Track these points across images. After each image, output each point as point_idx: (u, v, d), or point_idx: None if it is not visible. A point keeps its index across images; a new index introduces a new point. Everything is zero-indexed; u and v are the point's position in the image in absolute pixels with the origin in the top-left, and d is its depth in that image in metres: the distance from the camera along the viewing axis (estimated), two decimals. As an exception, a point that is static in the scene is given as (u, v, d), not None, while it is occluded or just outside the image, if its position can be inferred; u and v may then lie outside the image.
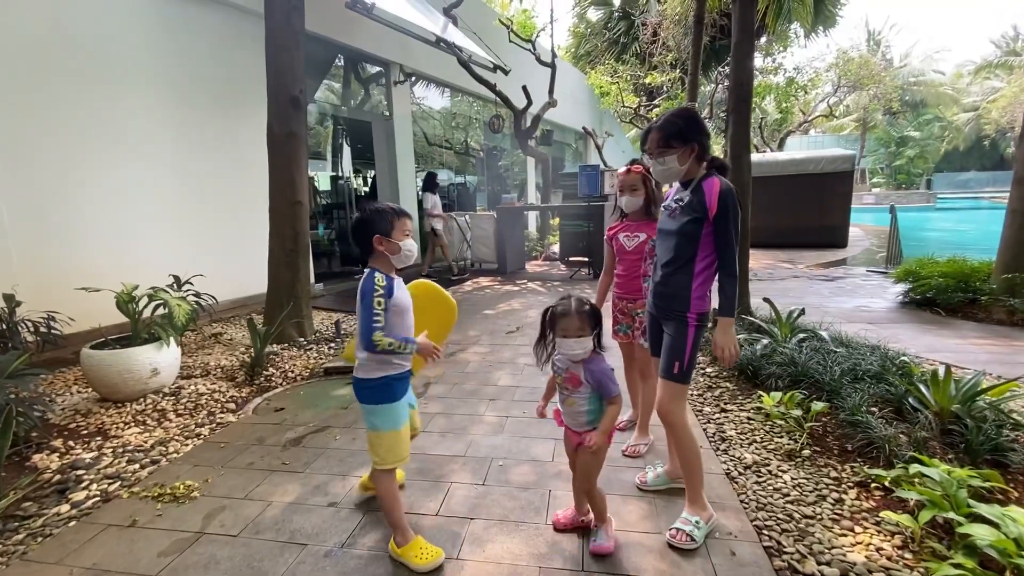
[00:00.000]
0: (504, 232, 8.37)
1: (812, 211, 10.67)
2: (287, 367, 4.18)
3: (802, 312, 3.95)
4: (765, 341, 3.64)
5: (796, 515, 2.04)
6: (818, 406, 2.68)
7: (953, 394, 2.50)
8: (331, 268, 9.38)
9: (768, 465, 2.42)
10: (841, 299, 5.97)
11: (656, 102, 13.90)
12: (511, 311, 5.78)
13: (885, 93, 21.24)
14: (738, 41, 4.53)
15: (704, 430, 2.81)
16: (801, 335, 3.81)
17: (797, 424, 2.72)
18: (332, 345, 4.74)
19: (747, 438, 2.70)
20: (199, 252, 5.61)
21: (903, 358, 3.22)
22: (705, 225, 1.90)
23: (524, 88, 8.64)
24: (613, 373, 1.75)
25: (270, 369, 4.10)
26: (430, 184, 8.47)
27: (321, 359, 4.38)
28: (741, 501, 2.14)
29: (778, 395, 2.93)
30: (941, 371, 2.65)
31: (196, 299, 4.91)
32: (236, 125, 5.97)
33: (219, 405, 3.48)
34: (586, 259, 8.36)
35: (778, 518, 2.03)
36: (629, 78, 14.22)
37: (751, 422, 2.88)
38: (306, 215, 5.01)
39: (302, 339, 4.92)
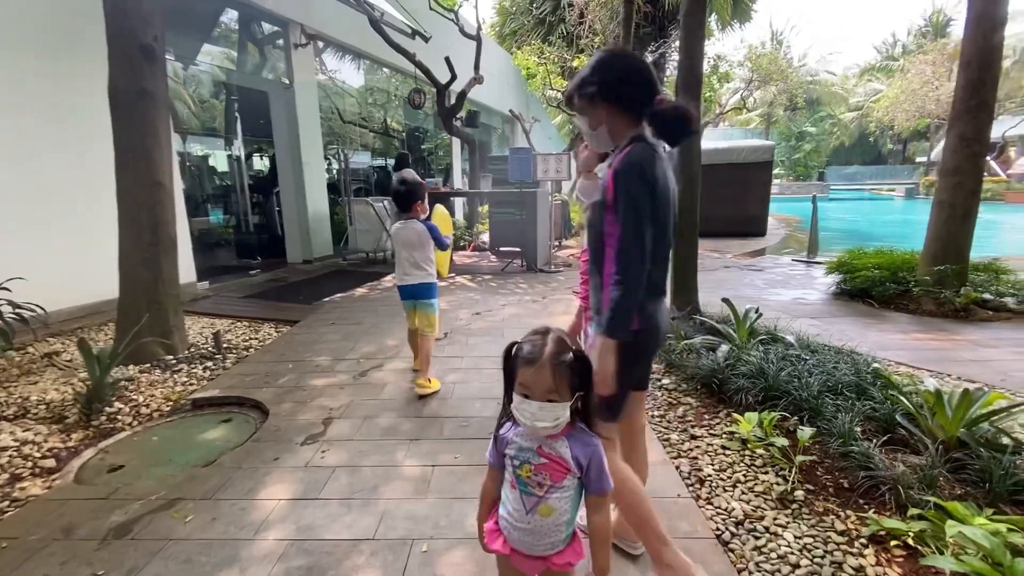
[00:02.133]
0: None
1: (733, 200, 10.81)
2: (143, 398, 3.19)
3: (759, 314, 3.60)
4: (725, 348, 3.23)
5: (817, 601, 1.56)
6: (805, 433, 2.27)
7: (950, 416, 2.16)
8: (223, 262, 8.06)
9: (762, 519, 1.95)
10: (777, 291, 5.86)
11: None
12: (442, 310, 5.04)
13: (790, 88, 22.54)
14: (688, 11, 4.07)
15: (677, 468, 2.30)
16: (760, 337, 3.46)
17: (782, 455, 2.29)
18: (210, 364, 3.76)
19: (728, 477, 2.23)
20: (27, 248, 4.31)
21: (875, 365, 2.93)
22: (607, 214, 1.42)
23: (447, 60, 7.80)
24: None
25: (117, 404, 3.10)
26: (405, 161, 7.50)
27: (193, 384, 3.42)
28: (745, 584, 1.63)
29: (754, 417, 2.49)
30: (933, 385, 2.33)
31: (14, 311, 3.72)
32: (77, 82, 4.64)
33: (30, 464, 2.48)
34: (518, 250, 7.77)
35: (797, 609, 1.54)
36: (556, 60, 13.72)
37: (727, 452, 2.42)
38: (169, 200, 3.94)
39: (170, 357, 3.89)
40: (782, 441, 2.29)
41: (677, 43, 14.95)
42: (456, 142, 12.86)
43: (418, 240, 3.19)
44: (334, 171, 10.98)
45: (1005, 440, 2.11)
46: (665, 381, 3.24)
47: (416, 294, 3.22)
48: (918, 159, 35.76)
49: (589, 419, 1.10)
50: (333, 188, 9.29)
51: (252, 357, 3.90)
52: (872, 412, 2.40)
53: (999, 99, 23.13)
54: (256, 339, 4.36)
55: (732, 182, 10.61)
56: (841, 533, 1.86)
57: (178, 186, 5.46)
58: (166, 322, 3.95)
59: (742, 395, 2.79)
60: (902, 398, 2.46)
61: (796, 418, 2.50)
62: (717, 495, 2.10)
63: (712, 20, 16.33)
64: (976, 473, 1.97)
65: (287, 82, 7.43)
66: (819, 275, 6.65)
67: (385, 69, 10.35)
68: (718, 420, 2.74)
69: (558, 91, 13.77)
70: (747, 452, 2.40)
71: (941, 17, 33.62)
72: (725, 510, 2.00)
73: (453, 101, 8.54)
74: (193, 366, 3.73)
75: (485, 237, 10.04)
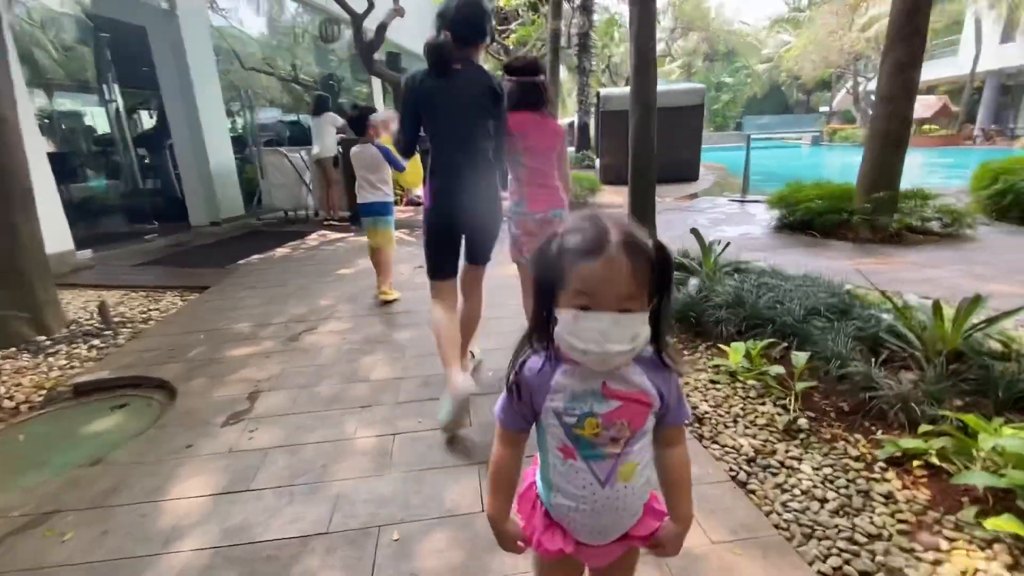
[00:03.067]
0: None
1: (666, 145, 10.67)
2: (5, 390, 2.50)
3: (727, 244, 3.44)
4: (695, 281, 3.04)
5: (857, 537, 1.38)
6: (801, 358, 2.10)
7: (950, 328, 2.07)
8: (110, 229, 6.88)
9: (774, 453, 1.76)
10: (722, 228, 5.84)
11: (512, 27, 12.78)
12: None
13: (711, 37, 22.88)
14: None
15: (669, 409, 2.07)
16: (726, 268, 3.31)
17: (778, 383, 2.12)
18: (97, 342, 3.06)
19: (726, 412, 2.03)
20: None
21: (848, 287, 2.86)
22: None
23: (362, -16, 6.86)
24: None
25: (-38, 401, 2.40)
26: (324, 104, 6.62)
27: (75, 367, 2.75)
28: (778, 529, 1.42)
29: (741, 347, 2.31)
30: (915, 300, 2.23)
31: None
32: None
33: None
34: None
35: (839, 549, 1.34)
36: None
37: (717, 387, 2.22)
38: (16, 139, 3.08)
39: (42, 338, 3.13)
40: (777, 369, 2.12)
41: (604, -16, 14.46)
42: (378, 88, 11.78)
43: (374, 162, 3.49)
44: (239, 125, 9.67)
45: (996, 347, 2.05)
46: (636, 320, 3.01)
47: (374, 211, 3.58)
48: (821, 109, 38.18)
49: (661, 338, 0.75)
50: (240, 142, 8.15)
51: (152, 330, 3.23)
52: (859, 332, 2.29)
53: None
54: (156, 310, 3.65)
55: (664, 126, 10.29)
56: (856, 459, 1.70)
57: (35, 136, 4.43)
58: (32, 296, 3.17)
59: (721, 326, 2.60)
60: (885, 315, 2.37)
61: (784, 344, 2.34)
62: (720, 432, 1.89)
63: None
64: (974, 384, 1.88)
65: (166, 5, 6.20)
66: (758, 212, 6.74)
67: (290, 4, 9.02)
68: (699, 354, 2.55)
69: (485, 33, 12.95)
70: (738, 385, 2.21)
71: (841, -32, 35.26)
72: (733, 448, 1.79)
73: (373, 35, 7.62)
74: (75, 346, 3.02)
75: (419, 191, 9.38)
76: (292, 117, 12.48)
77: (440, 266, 2.16)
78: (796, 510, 1.49)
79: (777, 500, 1.53)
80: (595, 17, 15.02)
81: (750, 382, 2.20)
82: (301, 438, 1.94)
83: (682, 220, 6.52)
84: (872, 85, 30.02)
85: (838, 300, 2.59)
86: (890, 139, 4.95)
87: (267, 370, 2.53)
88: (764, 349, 2.30)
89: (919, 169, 14.90)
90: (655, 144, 3.92)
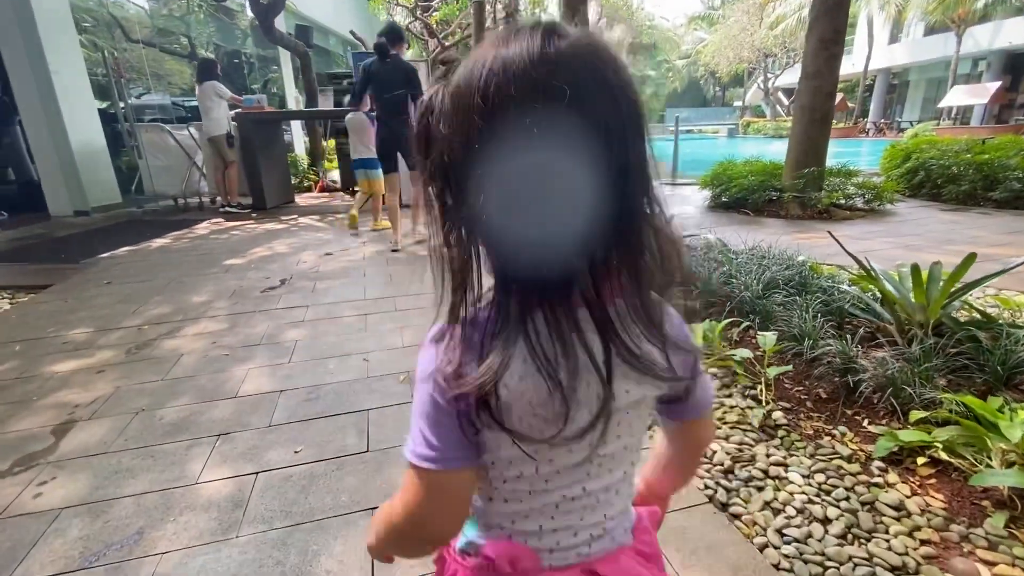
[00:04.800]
0: (255, 150, 5.94)
1: None
2: None
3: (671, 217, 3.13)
4: (640, 257, 2.70)
5: (880, 573, 1.04)
6: (769, 339, 1.78)
7: (933, 296, 1.83)
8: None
9: (753, 459, 1.41)
10: (657, 209, 5.64)
11: (435, 4, 12.09)
12: (272, 256, 3.83)
13: (636, 26, 23.29)
14: None
15: (622, 409, 1.68)
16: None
17: (745, 370, 1.79)
18: None
19: (689, 409, 1.67)
20: None
21: (801, 258, 2.63)
22: None
23: (255, -66, 5.98)
24: None
25: None
26: (209, 71, 5.60)
27: None
28: (781, 571, 1.05)
29: (698, 328, 1.97)
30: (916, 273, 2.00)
31: None
32: None
33: None
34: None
35: (861, 595, 0.99)
36: (401, -27, 11.99)
37: (675, 378, 1.87)
38: None
39: None
40: (743, 353, 1.79)
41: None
42: (287, 65, 10.69)
43: (362, 125, 4.19)
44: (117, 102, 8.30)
45: (975, 317, 1.84)
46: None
47: (365, 165, 4.27)
48: (735, 103, 40.44)
49: None
50: (116, 119, 6.93)
51: (-54, 344, 2.41)
52: (824, 308, 2.02)
53: (795, 48, 26.28)
54: (-36, 317, 2.79)
55: None
56: (849, 459, 1.39)
57: None
58: None
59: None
60: (847, 287, 2.13)
61: (746, 324, 2.03)
62: (687, 437, 1.52)
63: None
64: (963, 359, 1.64)
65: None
66: (690, 194, 6.65)
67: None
68: (650, 341, 2.20)
69: (407, 9, 12.15)
70: (698, 374, 1.87)
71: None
72: (705, 456, 1.42)
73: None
74: None
75: (335, 175, 8.56)
76: (191, 101, 11.09)
77: (387, 168, 3.98)
78: (796, 539, 1.13)
79: (770, 526, 1.17)
80: None
81: (712, 369, 1.86)
82: (115, 489, 1.35)
83: (616, 202, 6.29)
84: (780, 81, 32.19)
85: (795, 273, 2.33)
86: (816, 115, 4.93)
87: (94, 390, 1.87)
88: (724, 330, 1.98)
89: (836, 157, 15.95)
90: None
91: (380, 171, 4.14)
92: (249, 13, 8.64)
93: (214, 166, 6.15)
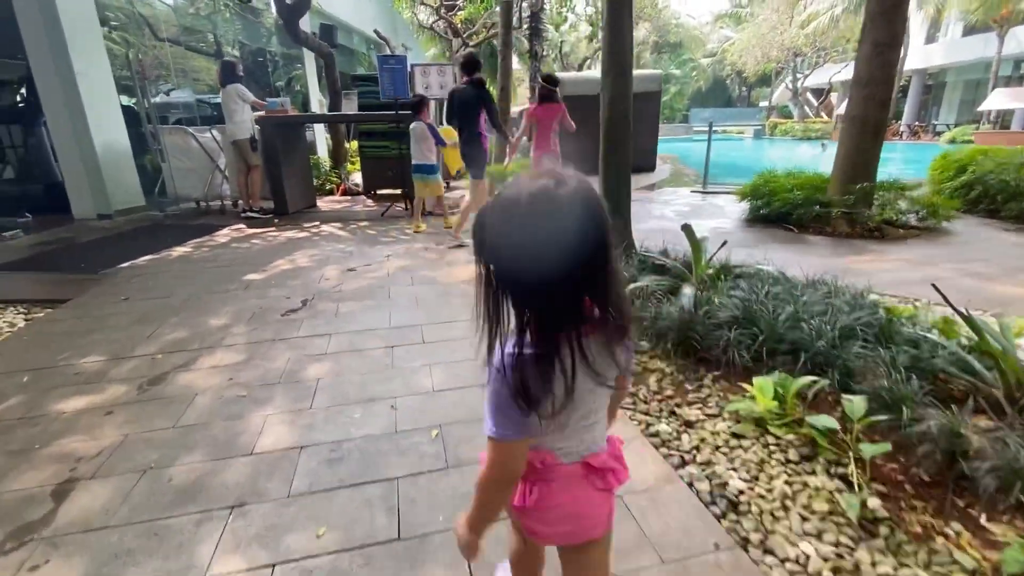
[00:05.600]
0: (278, 154, 5.83)
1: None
2: None
3: (723, 244, 2.89)
4: (689, 290, 2.46)
5: None
6: (857, 406, 1.55)
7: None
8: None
9: (859, 570, 1.18)
10: (692, 221, 5.34)
11: (460, 3, 11.90)
12: (293, 271, 3.68)
13: (661, 26, 22.80)
14: None
15: (689, 484, 1.46)
16: (712, 270, 2.77)
17: (831, 442, 1.56)
18: None
19: (767, 490, 1.44)
20: None
21: (873, 296, 2.37)
22: None
23: (281, -66, 5.85)
24: None
25: None
26: (232, 73, 5.49)
27: None
28: None
29: (768, 385, 1.74)
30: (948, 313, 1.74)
31: None
32: None
33: None
34: (399, 191, 6.44)
35: None
36: (426, -29, 11.82)
37: (744, 445, 1.64)
38: None
39: None
40: (826, 422, 1.55)
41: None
42: (311, 64, 10.61)
43: (423, 134, 4.52)
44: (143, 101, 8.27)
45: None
46: (619, 340, 2.40)
47: (424, 170, 4.64)
48: (761, 103, 39.49)
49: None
50: (138, 118, 6.89)
51: (-45, 369, 2.30)
52: (914, 362, 1.77)
53: (826, 47, 25.59)
54: (-22, 336, 2.69)
55: None
56: (973, 574, 1.15)
57: None
58: None
59: (732, 352, 2.03)
60: (932, 335, 1.87)
61: (824, 382, 1.78)
62: (771, 531, 1.29)
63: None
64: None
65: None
66: (725, 204, 6.36)
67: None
68: (707, 389, 1.97)
69: (431, 7, 11.99)
70: (771, 440, 1.64)
71: (780, -34, 36.35)
72: (796, 562, 1.20)
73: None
74: None
75: (357, 178, 8.44)
76: (215, 98, 11.07)
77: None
78: None
79: None
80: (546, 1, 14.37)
81: (787, 436, 1.63)
82: (115, 579, 1.18)
83: (647, 212, 6.03)
84: (810, 81, 31.29)
85: (869, 315, 2.07)
86: (868, 126, 4.61)
87: (101, 438, 1.72)
88: (802, 386, 1.74)
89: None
90: (631, 123, 3.32)
91: (438, 176, 4.80)
92: (274, 12, 8.56)
93: (237, 169, 6.05)
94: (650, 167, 10.76)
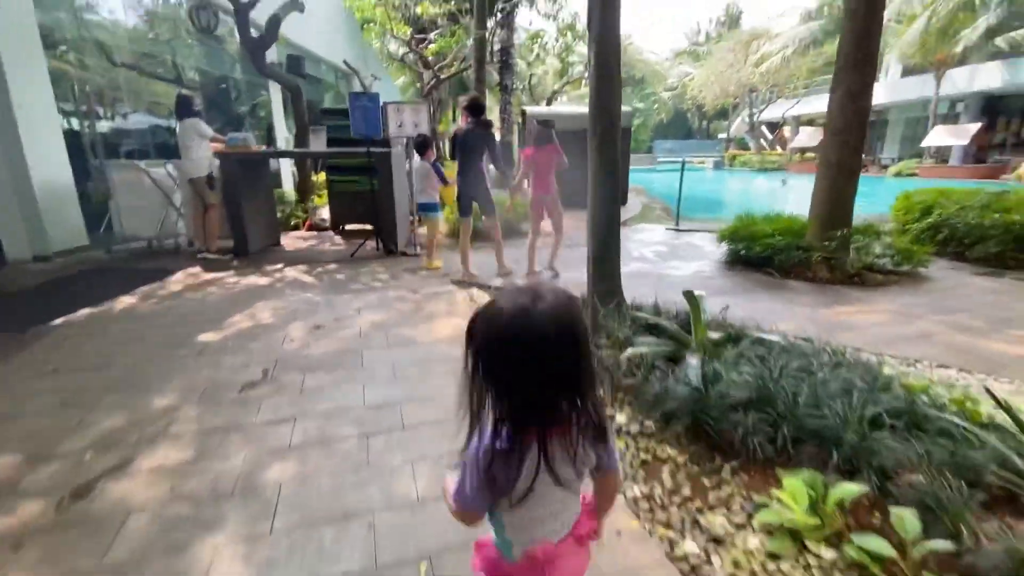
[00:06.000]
0: (239, 192, 5.48)
1: (580, 169, 10.39)
2: None
3: (726, 308, 2.75)
4: (694, 360, 2.29)
5: None
6: (910, 523, 1.37)
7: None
8: None
9: None
10: (672, 263, 5.30)
11: (431, 37, 11.90)
12: (253, 330, 3.34)
13: (626, 62, 23.54)
14: None
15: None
16: (719, 334, 2.62)
17: (886, 571, 1.36)
18: None
19: (821, 637, 1.23)
20: None
21: (887, 370, 2.24)
22: None
23: (247, -35, 5.63)
24: None
25: None
26: (188, 107, 5.12)
27: None
28: None
29: (802, 489, 1.55)
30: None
31: None
32: None
33: None
34: (369, 227, 6.16)
35: None
36: (397, 4, 11.79)
37: (780, 567, 1.43)
38: None
39: None
40: (879, 547, 1.36)
41: (525, 1, 14.05)
42: (277, 95, 10.31)
43: (426, 173, 4.82)
44: (87, 131, 7.71)
45: None
46: (621, 419, 2.19)
47: (426, 208, 4.91)
48: (720, 135, 41.17)
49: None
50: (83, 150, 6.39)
51: None
52: (952, 458, 1.62)
53: (778, 84, 26.93)
54: None
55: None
56: None
57: None
58: None
59: (749, 439, 1.85)
60: (958, 420, 1.73)
61: (865, 488, 1.60)
62: None
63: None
64: None
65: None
66: (700, 243, 6.36)
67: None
68: (727, 486, 1.76)
69: (401, 40, 11.93)
70: (811, 558, 1.44)
71: (735, 9, 38.58)
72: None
73: (265, 30, 6.37)
74: None
75: (324, 213, 8.10)
76: (167, 122, 10.53)
77: (463, 210, 4.57)
78: None
79: None
80: (516, 35, 14.57)
81: (829, 555, 1.43)
82: None
83: (626, 252, 5.87)
84: (764, 116, 32.89)
85: (892, 397, 1.93)
86: (843, 171, 4.67)
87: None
88: (846, 496, 1.54)
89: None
90: (619, 165, 3.19)
91: (439, 214, 5.01)
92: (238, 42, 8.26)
93: (193, 207, 5.66)
94: (622, 201, 10.82)
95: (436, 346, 3.01)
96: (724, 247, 5.33)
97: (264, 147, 9.34)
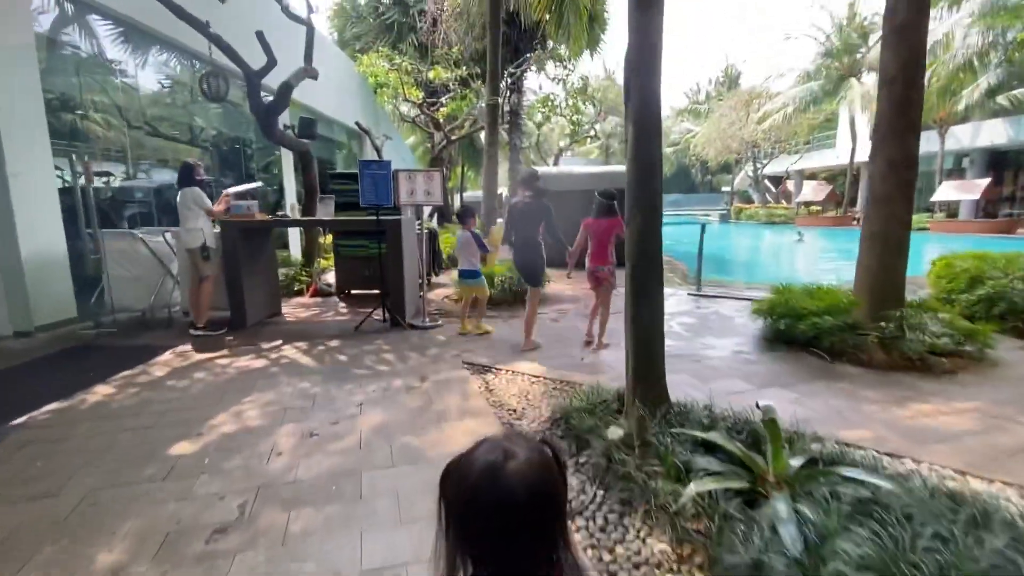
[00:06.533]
0: (239, 261, 5.17)
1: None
2: None
3: (817, 438, 2.28)
4: (783, 511, 1.79)
5: None
6: None
7: None
8: None
9: None
10: (705, 340, 4.84)
11: (443, 100, 12.06)
12: (236, 439, 2.87)
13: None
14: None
15: None
16: (801, 459, 2.13)
17: None
18: None
19: None
20: None
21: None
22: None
23: (259, 35, 5.58)
24: None
25: None
26: (189, 176, 4.88)
27: None
28: None
29: None
30: None
31: None
32: None
33: None
34: (375, 291, 5.80)
35: None
36: (410, 70, 12.03)
37: None
38: None
39: None
40: None
41: (534, 66, 14.43)
42: (288, 156, 10.29)
43: (468, 243, 4.96)
44: (93, 191, 7.58)
45: None
46: (695, 595, 1.67)
47: (469, 276, 5.02)
48: (723, 188, 41.70)
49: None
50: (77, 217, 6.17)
51: None
52: None
53: (780, 140, 27.41)
54: None
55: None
56: None
57: None
58: None
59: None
60: None
61: None
62: None
63: (562, 48, 16.18)
64: None
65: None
66: (730, 313, 5.92)
67: (169, 49, 7.46)
68: None
69: (413, 103, 12.09)
70: None
71: (733, 71, 40.03)
72: None
73: (276, 96, 6.29)
74: None
75: (330, 277, 7.80)
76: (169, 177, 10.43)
77: (525, 280, 4.81)
78: None
79: None
80: (524, 96, 14.85)
81: None
82: None
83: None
84: (767, 170, 33.31)
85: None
86: (890, 244, 4.32)
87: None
88: None
89: (833, 248, 15.67)
90: (660, 257, 2.81)
91: (483, 279, 5.09)
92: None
93: (191, 278, 5.33)
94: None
95: (417, 483, 2.53)
96: (760, 320, 4.89)
97: (274, 210, 9.19)
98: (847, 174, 27.36)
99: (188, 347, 4.67)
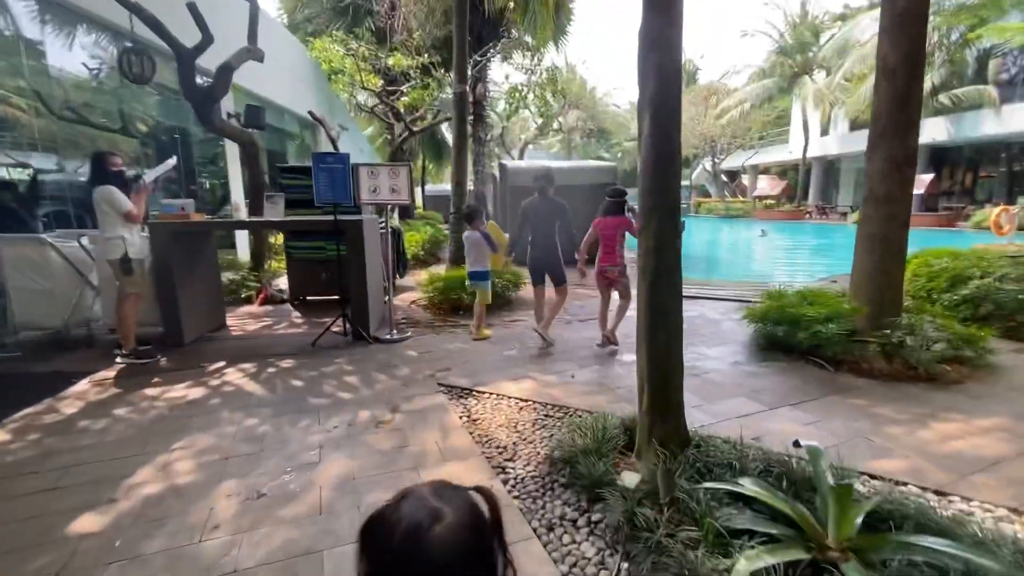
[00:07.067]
0: (172, 271, 4.45)
1: (580, 226, 9.86)
2: None
3: (868, 496, 1.93)
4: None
5: None
6: None
7: None
8: None
9: None
10: (700, 349, 4.52)
11: (403, 89, 11.35)
12: (161, 504, 2.29)
13: (594, 114, 23.90)
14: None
15: None
16: (860, 514, 1.79)
17: None
18: None
19: None
20: None
21: None
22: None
23: (191, 7, 4.82)
24: None
25: None
26: (102, 171, 4.00)
27: None
28: None
29: None
30: None
31: None
32: None
33: None
34: (335, 297, 5.20)
35: None
36: (367, 56, 11.23)
37: None
38: None
39: None
40: None
41: (500, 54, 13.87)
42: (233, 149, 9.36)
43: (478, 243, 4.79)
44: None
45: None
46: None
47: (476, 277, 4.90)
48: (683, 183, 42.38)
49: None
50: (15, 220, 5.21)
51: None
52: None
53: (736, 135, 28.00)
54: None
55: (579, 204, 9.61)
56: None
57: None
58: None
59: None
60: None
61: None
62: None
63: (528, 38, 15.67)
64: None
65: None
66: (717, 316, 5.67)
67: (84, 25, 6.46)
68: None
69: (371, 91, 11.32)
70: None
71: (690, 66, 40.55)
72: None
73: (215, 79, 5.52)
74: None
75: (282, 283, 7.08)
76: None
77: (536, 281, 4.74)
78: None
79: None
80: (488, 86, 14.27)
81: None
82: None
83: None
84: (726, 164, 34.03)
85: None
86: (891, 249, 4.11)
87: None
88: None
89: (795, 244, 15.97)
90: (679, 271, 2.41)
91: (489, 282, 4.96)
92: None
93: (115, 290, 4.56)
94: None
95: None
96: (750, 327, 4.64)
97: (219, 208, 8.29)
98: (799, 169, 28.26)
99: (110, 373, 3.95)
